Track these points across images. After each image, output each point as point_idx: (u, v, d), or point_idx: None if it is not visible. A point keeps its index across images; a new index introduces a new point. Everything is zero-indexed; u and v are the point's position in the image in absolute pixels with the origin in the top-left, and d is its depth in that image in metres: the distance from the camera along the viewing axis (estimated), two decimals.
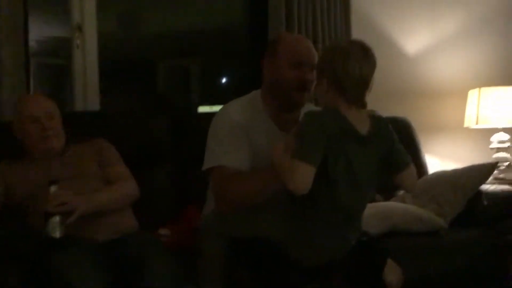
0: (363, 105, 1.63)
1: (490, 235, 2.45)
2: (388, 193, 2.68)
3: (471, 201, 2.56)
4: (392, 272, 1.82)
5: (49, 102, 2.19)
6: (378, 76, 1.66)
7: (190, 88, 6.32)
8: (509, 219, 2.48)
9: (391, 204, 2.56)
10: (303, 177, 1.54)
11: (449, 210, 2.54)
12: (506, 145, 3.15)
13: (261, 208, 1.75)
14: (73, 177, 2.08)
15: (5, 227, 1.97)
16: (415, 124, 3.04)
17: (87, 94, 2.88)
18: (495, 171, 2.89)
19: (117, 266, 1.88)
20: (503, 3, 3.50)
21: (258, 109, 1.93)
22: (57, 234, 1.83)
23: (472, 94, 3.21)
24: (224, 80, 6.58)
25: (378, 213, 2.33)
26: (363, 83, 1.61)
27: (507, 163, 3.11)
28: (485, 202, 2.53)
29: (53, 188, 1.90)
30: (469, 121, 3.20)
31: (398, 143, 1.71)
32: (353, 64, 1.59)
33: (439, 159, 3.34)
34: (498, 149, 3.14)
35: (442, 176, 2.71)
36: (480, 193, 2.57)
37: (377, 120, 1.67)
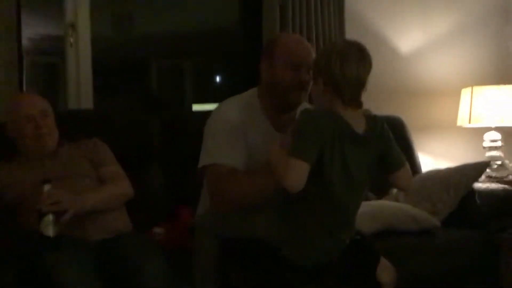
0: (359, 105, 1.64)
1: (482, 234, 2.46)
2: (381, 192, 2.69)
3: (464, 199, 2.56)
4: (385, 271, 1.82)
5: (43, 101, 2.18)
6: (371, 75, 1.67)
7: (183, 87, 6.31)
8: (501, 217, 2.49)
9: (384, 203, 2.56)
10: (297, 174, 1.54)
11: (442, 208, 2.55)
12: (499, 144, 3.16)
13: (256, 208, 1.75)
14: (67, 176, 2.08)
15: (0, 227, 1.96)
16: (408, 123, 3.05)
17: (81, 93, 2.87)
18: (488, 170, 2.90)
19: (111, 266, 1.88)
20: (496, 2, 3.51)
21: (254, 108, 1.93)
22: (50, 233, 1.83)
23: (465, 93, 3.22)
24: (218, 79, 6.57)
25: (371, 212, 2.34)
26: (359, 83, 1.62)
27: (499, 162, 3.12)
28: (478, 201, 2.53)
29: (46, 187, 1.89)
30: (462, 120, 3.21)
31: (393, 143, 1.72)
32: (349, 65, 1.60)
33: (432, 158, 3.35)
34: (491, 148, 3.16)
35: (435, 175, 2.72)
36: (473, 192, 2.58)
37: (373, 120, 1.68)
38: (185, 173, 2.57)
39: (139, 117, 2.71)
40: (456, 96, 3.27)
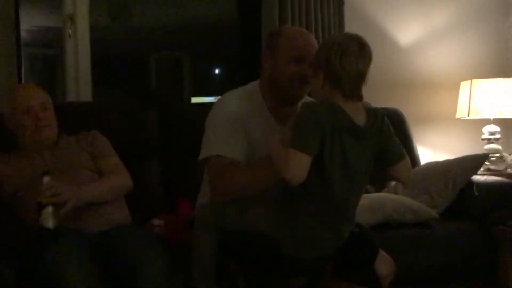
0: (359, 98, 1.64)
1: (481, 226, 2.46)
2: (380, 184, 2.70)
3: (462, 192, 2.57)
4: (384, 264, 1.82)
5: (43, 92, 2.17)
6: (370, 67, 1.66)
7: (182, 80, 6.30)
8: (499, 210, 2.49)
9: (383, 195, 2.57)
10: (299, 166, 1.54)
11: (441, 201, 2.56)
12: (497, 136, 3.17)
13: (255, 201, 1.75)
14: (66, 168, 2.07)
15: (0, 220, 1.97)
16: (407, 116, 3.05)
17: (79, 84, 2.87)
18: (486, 163, 2.91)
19: (110, 258, 1.88)
20: None
21: (256, 101, 1.92)
22: (50, 225, 1.83)
23: (464, 85, 3.22)
24: (216, 72, 6.56)
25: (370, 204, 2.34)
26: (359, 76, 1.62)
27: (498, 155, 3.13)
28: (476, 193, 2.54)
29: (46, 179, 1.89)
30: (461, 113, 3.22)
31: (394, 135, 1.72)
32: (349, 59, 1.60)
33: (431, 150, 3.36)
34: (489, 141, 3.16)
35: (434, 167, 2.73)
36: (471, 184, 2.58)
37: (373, 113, 1.68)
38: (184, 166, 2.58)
39: (138, 110, 2.70)
40: (455, 88, 3.27)
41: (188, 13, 5.32)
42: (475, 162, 2.64)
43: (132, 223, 2.15)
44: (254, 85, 1.98)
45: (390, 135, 1.71)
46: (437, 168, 2.70)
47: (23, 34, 2.85)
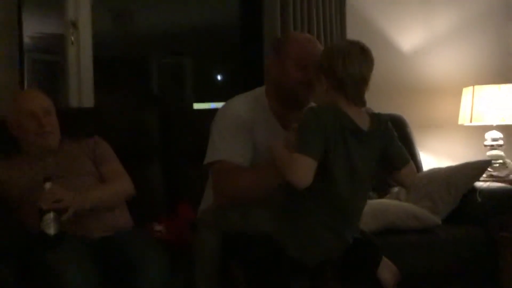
0: (362, 103, 1.66)
1: (483, 232, 2.46)
2: (382, 190, 2.69)
3: (465, 198, 2.57)
4: (387, 270, 1.82)
5: (46, 98, 2.18)
6: (373, 73, 1.68)
7: (184, 85, 6.31)
8: (502, 216, 2.49)
9: (385, 201, 2.56)
10: (304, 170, 1.55)
11: (443, 207, 2.55)
12: (500, 142, 3.16)
13: (258, 205, 1.75)
14: (68, 174, 2.08)
15: (0, 225, 1.96)
16: (410, 121, 3.05)
17: (82, 90, 2.87)
18: (489, 169, 2.90)
19: (111, 263, 1.88)
20: (497, 1, 3.51)
21: (262, 107, 1.93)
22: (51, 231, 1.83)
23: (466, 92, 3.22)
24: (218, 77, 6.57)
25: (372, 210, 2.33)
26: (362, 81, 1.64)
27: (500, 161, 3.12)
28: (479, 199, 2.53)
29: (47, 185, 1.89)
30: (463, 119, 3.21)
31: (397, 140, 1.72)
32: (352, 64, 1.62)
33: (433, 156, 3.35)
34: (492, 147, 3.16)
35: (436, 173, 2.72)
36: (474, 190, 2.57)
37: (377, 117, 1.69)
38: (186, 170, 2.58)
39: (140, 115, 2.71)
40: (457, 94, 3.27)
41: (190, 18, 5.33)
42: (477, 168, 2.64)
43: (133, 227, 2.15)
44: (260, 90, 1.99)
45: (394, 139, 1.72)
46: (439, 174, 2.69)
47: (25, 40, 2.86)
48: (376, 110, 1.76)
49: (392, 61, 3.29)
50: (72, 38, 2.84)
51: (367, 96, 1.69)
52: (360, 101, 1.65)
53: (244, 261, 1.81)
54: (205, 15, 5.29)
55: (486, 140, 3.18)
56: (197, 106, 5.60)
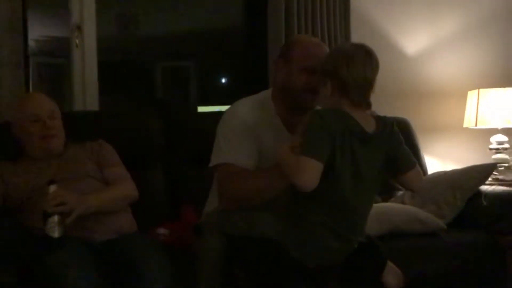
0: (367, 106, 1.66)
1: (488, 236, 2.45)
2: (387, 194, 2.68)
3: (470, 202, 2.55)
4: (391, 275, 1.81)
5: (51, 101, 2.19)
6: (377, 76, 1.67)
7: (188, 88, 6.32)
8: (508, 219, 2.48)
9: (390, 205, 2.55)
10: (310, 172, 1.55)
11: (448, 211, 2.54)
12: (505, 146, 3.15)
13: (263, 208, 1.75)
14: (72, 177, 2.08)
15: (3, 227, 1.96)
16: (415, 125, 3.04)
17: (86, 94, 2.88)
18: (494, 172, 2.89)
19: (114, 267, 1.88)
20: (502, 4, 3.50)
21: (268, 110, 1.93)
22: (55, 234, 1.82)
23: (471, 95, 3.21)
24: (222, 80, 6.58)
25: (377, 214, 2.31)
26: (367, 84, 1.64)
27: (506, 164, 3.11)
28: (484, 203, 2.52)
29: (52, 188, 1.89)
30: (468, 122, 3.20)
31: (403, 144, 1.72)
32: (357, 67, 1.62)
33: (438, 159, 3.34)
34: (497, 150, 3.15)
35: (441, 177, 2.71)
36: (479, 194, 2.56)
37: (382, 120, 1.69)
38: (190, 174, 2.58)
39: (144, 118, 2.71)
40: (462, 98, 3.26)
41: (194, 21, 5.34)
42: (483, 172, 2.62)
43: (137, 231, 2.15)
44: (265, 94, 1.99)
45: (400, 143, 1.71)
46: (444, 178, 2.68)
47: (31, 43, 2.87)
48: (381, 113, 1.75)
49: (397, 64, 3.28)
50: (77, 42, 2.85)
51: (372, 99, 1.68)
52: (365, 104, 1.65)
53: (248, 264, 1.80)
54: (209, 18, 5.30)
55: (491, 143, 3.17)
56: (201, 109, 5.61)
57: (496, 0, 3.49)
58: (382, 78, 1.69)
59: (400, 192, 2.69)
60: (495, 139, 3.16)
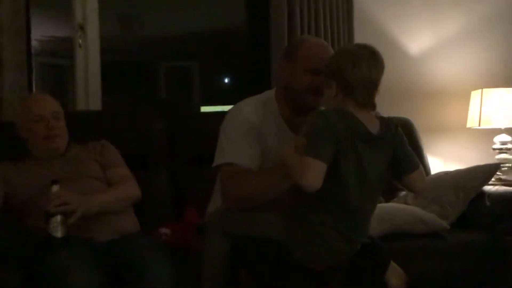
0: (372, 106, 1.66)
1: (492, 236, 2.44)
2: (390, 194, 2.68)
3: (474, 202, 2.55)
4: (395, 275, 1.81)
5: (55, 102, 2.19)
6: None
7: (191, 88, 6.33)
8: (511, 220, 2.47)
9: (393, 205, 2.55)
10: (315, 173, 1.54)
11: (451, 211, 2.53)
12: (509, 146, 3.14)
13: (267, 209, 1.75)
14: (75, 177, 2.08)
15: (5, 227, 1.97)
16: (418, 125, 3.04)
17: (89, 94, 2.88)
18: (498, 172, 2.88)
19: (117, 267, 1.88)
20: (505, 4, 3.49)
21: (271, 110, 1.93)
22: (58, 234, 1.83)
23: (475, 95, 3.20)
24: (225, 80, 6.58)
25: (380, 214, 2.31)
26: (372, 85, 1.64)
27: (509, 164, 3.10)
28: (488, 203, 2.52)
29: (55, 188, 1.89)
30: (472, 122, 3.20)
31: (407, 145, 1.72)
32: (362, 68, 1.62)
33: (441, 160, 3.34)
34: (501, 150, 3.14)
35: (444, 177, 2.70)
36: (483, 194, 2.56)
37: (386, 121, 1.69)
38: (192, 174, 2.58)
39: (147, 118, 2.71)
40: (465, 98, 3.26)
41: (197, 22, 5.35)
42: (486, 172, 2.62)
43: (140, 231, 2.15)
44: (269, 94, 1.98)
45: (404, 144, 1.71)
46: (447, 178, 2.67)
47: (34, 44, 2.87)
48: (384, 113, 1.75)
49: (400, 64, 3.28)
50: (80, 42, 2.85)
51: (375, 99, 1.68)
52: (369, 105, 1.65)
53: (250, 264, 1.80)
54: (212, 19, 5.30)
55: (494, 143, 3.17)
56: (204, 109, 5.61)
57: (499, 0, 3.48)
58: (385, 79, 1.69)
59: (403, 193, 2.68)
60: (499, 139, 3.15)
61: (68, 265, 1.75)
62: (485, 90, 3.15)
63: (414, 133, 2.99)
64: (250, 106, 1.92)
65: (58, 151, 2.15)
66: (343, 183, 1.61)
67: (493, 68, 3.42)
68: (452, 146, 3.36)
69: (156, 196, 2.48)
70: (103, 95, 2.93)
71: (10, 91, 2.57)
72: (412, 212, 2.43)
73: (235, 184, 1.80)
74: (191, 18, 5.32)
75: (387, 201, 2.63)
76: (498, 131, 3.17)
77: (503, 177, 3.03)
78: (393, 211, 2.42)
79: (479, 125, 3.15)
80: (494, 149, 3.16)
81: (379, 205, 2.43)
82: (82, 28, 2.85)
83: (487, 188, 2.61)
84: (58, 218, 1.84)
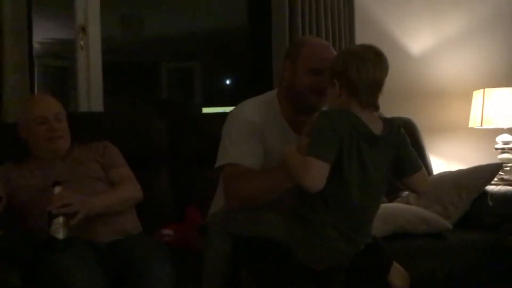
0: (375, 107, 1.65)
1: (495, 236, 2.43)
2: (392, 194, 2.67)
3: (476, 202, 2.55)
4: (397, 276, 1.81)
5: (57, 103, 2.20)
6: None
7: (193, 90, 6.33)
8: None
9: (396, 205, 2.54)
10: (318, 173, 1.54)
11: (454, 211, 2.53)
12: (511, 146, 3.13)
13: (269, 209, 1.75)
14: (77, 178, 2.08)
15: (7, 228, 1.97)
16: (420, 125, 3.03)
17: (91, 95, 2.88)
18: (500, 172, 2.88)
19: (118, 268, 1.88)
20: (506, 3, 3.49)
21: (273, 110, 1.93)
22: (60, 235, 1.83)
23: (477, 95, 3.20)
24: (227, 81, 6.58)
25: (382, 214, 2.30)
26: (376, 86, 1.63)
27: (511, 164, 3.10)
28: (490, 203, 2.51)
29: (57, 189, 1.90)
30: (474, 122, 3.19)
31: (410, 146, 1.72)
32: (366, 68, 1.61)
33: (443, 160, 3.33)
34: (503, 150, 3.13)
35: (447, 177, 2.70)
36: (485, 194, 2.56)
37: (389, 122, 1.68)
38: (194, 175, 2.58)
39: (148, 119, 2.71)
40: (467, 98, 3.25)
41: (199, 23, 5.35)
42: (488, 172, 2.61)
43: (142, 232, 2.16)
44: (270, 94, 1.99)
45: (407, 145, 1.71)
46: (450, 178, 2.67)
47: (35, 45, 2.88)
48: (386, 113, 1.75)
49: (402, 64, 3.27)
50: (82, 43, 2.85)
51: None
52: (373, 105, 1.64)
53: (252, 264, 1.80)
54: (213, 20, 5.30)
55: (497, 143, 3.16)
56: (206, 110, 5.62)
57: (500, 0, 3.48)
58: (387, 79, 1.68)
59: (406, 193, 2.68)
60: (501, 139, 3.15)
61: (69, 266, 1.75)
62: (487, 89, 3.15)
63: (416, 133, 2.99)
64: (252, 107, 1.92)
65: (60, 152, 2.15)
66: (345, 184, 1.61)
67: (495, 67, 3.42)
68: (454, 146, 3.36)
69: (157, 197, 2.48)
70: (104, 96, 2.93)
71: (12, 92, 2.57)
72: (414, 212, 2.43)
73: (237, 184, 1.80)
74: (192, 19, 5.32)
75: (389, 201, 2.63)
76: (500, 131, 3.16)
77: (505, 177, 3.03)
78: (395, 211, 2.41)
79: (481, 125, 3.14)
80: (496, 149, 3.16)
81: (382, 205, 2.41)
82: (83, 29, 2.85)
83: (490, 188, 2.61)
84: (60, 219, 1.84)
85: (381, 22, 3.28)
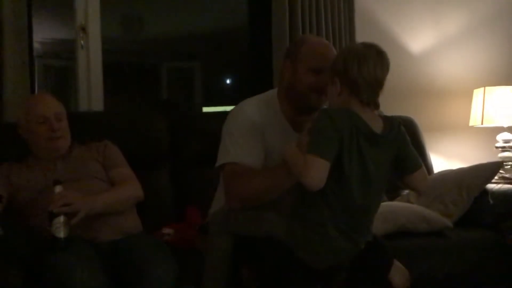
0: (376, 105, 1.65)
1: (495, 235, 2.44)
2: (393, 193, 2.67)
3: (477, 200, 2.54)
4: (398, 274, 1.81)
5: (58, 103, 2.20)
6: None
7: (193, 89, 6.33)
8: None
9: (396, 204, 2.55)
10: (318, 171, 1.54)
11: (455, 209, 2.53)
12: (511, 144, 3.13)
13: (270, 208, 1.75)
14: (78, 178, 2.08)
15: (8, 227, 1.97)
16: (420, 124, 3.03)
17: (91, 95, 2.88)
18: (501, 171, 2.88)
19: (119, 267, 1.89)
20: (507, 2, 3.49)
21: (274, 109, 1.93)
22: (61, 234, 1.83)
23: (477, 93, 3.20)
24: (227, 80, 6.59)
25: (383, 213, 2.31)
26: (377, 84, 1.63)
27: None
28: (491, 202, 2.51)
29: (57, 189, 1.90)
30: (474, 121, 3.19)
31: (410, 144, 1.72)
32: (367, 66, 1.61)
33: (444, 158, 3.33)
34: (504, 149, 3.13)
35: (447, 176, 2.70)
36: (486, 193, 2.56)
37: (390, 121, 1.68)
38: (194, 175, 2.58)
39: (149, 119, 2.71)
40: (468, 96, 3.25)
41: (199, 23, 5.35)
42: (489, 170, 2.61)
43: (142, 231, 2.16)
44: (271, 93, 1.99)
45: (407, 143, 1.71)
46: (450, 176, 2.67)
47: (36, 45, 2.88)
48: (386, 112, 1.75)
49: (402, 63, 3.27)
50: (82, 43, 2.85)
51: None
52: (374, 104, 1.64)
53: (253, 264, 1.80)
54: (214, 19, 5.31)
55: (497, 141, 3.16)
56: (206, 110, 5.62)
57: None
58: (387, 77, 1.68)
59: (406, 191, 2.68)
60: (501, 137, 3.15)
61: (70, 265, 1.75)
62: (487, 88, 3.15)
63: (416, 132, 2.99)
64: (253, 106, 1.92)
65: (61, 151, 2.15)
66: (346, 182, 1.61)
67: (496, 66, 3.42)
68: (455, 144, 3.36)
69: (158, 196, 2.48)
70: (105, 96, 2.93)
71: (12, 92, 2.57)
72: (415, 211, 2.43)
73: (238, 183, 1.80)
74: (192, 19, 5.32)
75: (390, 199, 2.63)
76: (501, 129, 3.16)
77: (506, 175, 3.02)
78: (396, 209, 2.41)
79: (482, 124, 3.14)
80: (497, 147, 3.16)
81: (382, 204, 2.42)
82: (84, 29, 2.85)
83: (490, 186, 2.61)
84: (61, 218, 1.84)
85: (381, 21, 3.28)
